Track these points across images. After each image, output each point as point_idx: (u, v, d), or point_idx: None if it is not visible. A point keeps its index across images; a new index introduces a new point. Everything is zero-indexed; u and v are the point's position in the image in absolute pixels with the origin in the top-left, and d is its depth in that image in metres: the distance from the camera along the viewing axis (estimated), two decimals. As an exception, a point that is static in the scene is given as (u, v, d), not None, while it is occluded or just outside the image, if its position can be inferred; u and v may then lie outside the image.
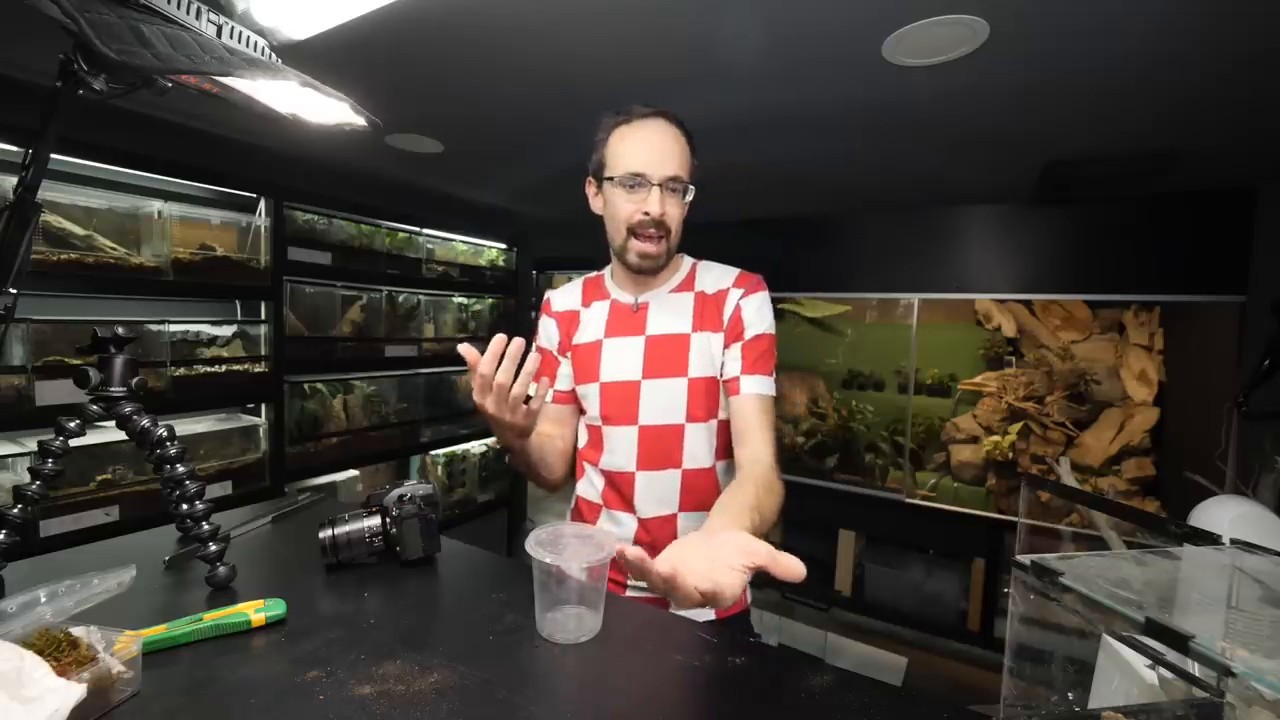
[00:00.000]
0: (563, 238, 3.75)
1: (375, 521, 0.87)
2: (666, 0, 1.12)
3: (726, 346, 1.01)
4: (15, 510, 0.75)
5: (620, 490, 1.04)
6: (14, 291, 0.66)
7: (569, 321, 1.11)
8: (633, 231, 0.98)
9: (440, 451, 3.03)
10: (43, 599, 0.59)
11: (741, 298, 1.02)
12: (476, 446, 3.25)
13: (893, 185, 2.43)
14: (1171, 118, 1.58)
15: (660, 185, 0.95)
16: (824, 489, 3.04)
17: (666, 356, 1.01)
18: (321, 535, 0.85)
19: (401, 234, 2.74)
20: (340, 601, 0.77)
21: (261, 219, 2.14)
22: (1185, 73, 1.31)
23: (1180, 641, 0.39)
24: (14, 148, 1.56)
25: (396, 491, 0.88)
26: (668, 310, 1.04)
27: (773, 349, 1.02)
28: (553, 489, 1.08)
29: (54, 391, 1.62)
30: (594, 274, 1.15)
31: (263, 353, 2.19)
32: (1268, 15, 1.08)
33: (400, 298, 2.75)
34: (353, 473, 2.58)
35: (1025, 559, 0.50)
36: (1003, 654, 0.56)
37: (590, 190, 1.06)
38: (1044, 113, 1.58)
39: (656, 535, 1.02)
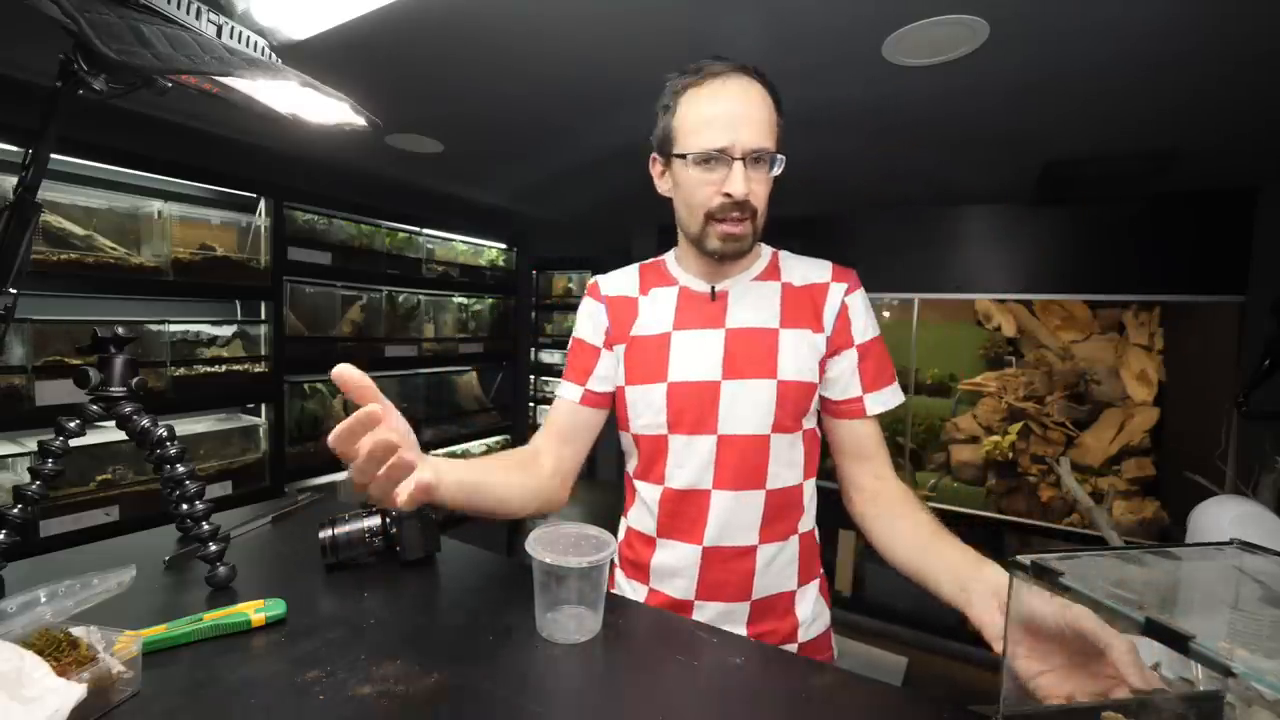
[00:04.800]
0: (563, 238, 3.76)
1: (375, 521, 0.87)
2: (666, 0, 1.12)
3: (834, 353, 0.87)
4: (15, 510, 0.75)
5: (686, 514, 0.86)
6: (14, 291, 0.66)
7: (623, 309, 0.93)
8: (711, 216, 0.81)
9: (440, 451, 3.03)
10: (43, 599, 0.59)
11: (846, 294, 0.87)
12: (476, 446, 3.26)
13: (893, 185, 2.43)
14: (1172, 118, 1.58)
15: (744, 159, 0.77)
16: (824, 490, 3.03)
17: (752, 354, 0.85)
18: (321, 535, 0.85)
19: (401, 234, 2.74)
20: (340, 601, 0.77)
21: (261, 219, 2.14)
22: (1186, 73, 1.31)
23: (1180, 641, 0.39)
24: (14, 148, 1.56)
25: (396, 491, 0.87)
26: (751, 301, 0.88)
27: (886, 352, 0.89)
28: (535, 513, 0.89)
29: (54, 391, 1.62)
30: (649, 260, 0.98)
31: (263, 353, 2.19)
32: (1269, 16, 1.08)
33: (400, 298, 2.75)
34: (353, 473, 2.58)
35: (1025, 559, 0.50)
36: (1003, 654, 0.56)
37: (655, 169, 0.87)
38: (1044, 112, 1.58)
39: (728, 571, 0.85)
